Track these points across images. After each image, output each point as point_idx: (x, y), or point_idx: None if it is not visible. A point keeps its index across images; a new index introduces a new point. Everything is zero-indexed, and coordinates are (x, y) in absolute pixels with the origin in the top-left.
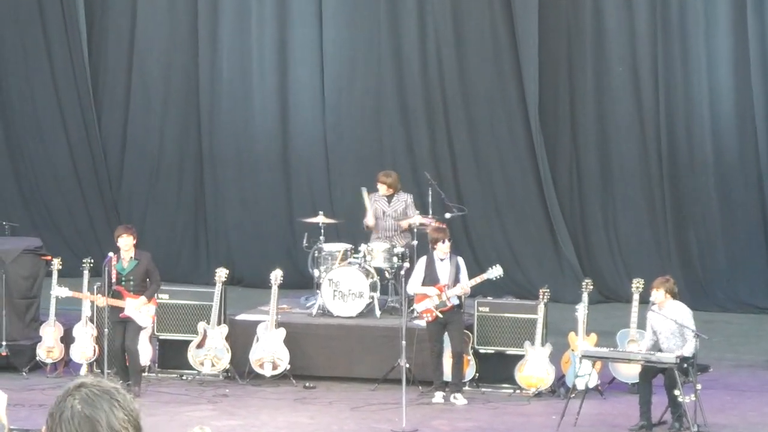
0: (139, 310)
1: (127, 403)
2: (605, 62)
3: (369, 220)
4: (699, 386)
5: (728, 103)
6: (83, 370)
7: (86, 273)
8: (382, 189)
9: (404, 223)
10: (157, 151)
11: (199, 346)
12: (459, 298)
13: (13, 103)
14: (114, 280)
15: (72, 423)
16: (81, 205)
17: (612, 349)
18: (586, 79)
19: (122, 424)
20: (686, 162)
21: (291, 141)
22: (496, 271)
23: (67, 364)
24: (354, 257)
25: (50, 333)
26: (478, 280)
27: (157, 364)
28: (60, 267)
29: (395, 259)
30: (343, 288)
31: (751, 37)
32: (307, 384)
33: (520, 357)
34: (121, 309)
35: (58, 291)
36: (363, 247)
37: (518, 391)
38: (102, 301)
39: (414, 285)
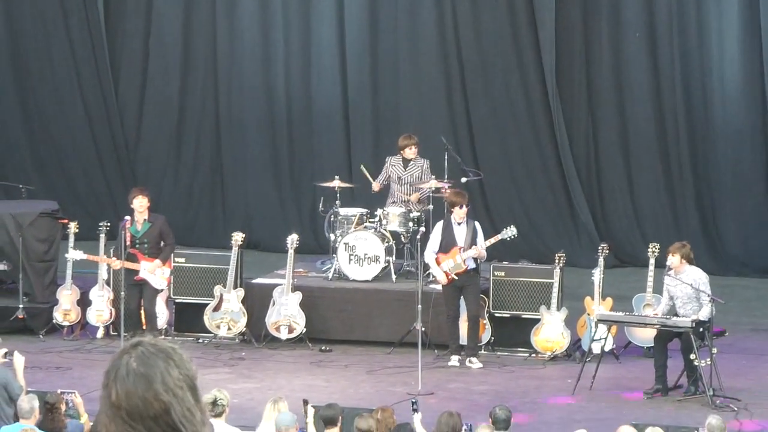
0: (154, 272)
1: (183, 362)
2: (621, 29)
3: (375, 186)
4: (715, 350)
5: (738, 68)
6: (99, 333)
7: (103, 236)
8: (409, 152)
9: (414, 197)
10: (174, 115)
11: (216, 309)
12: (475, 261)
13: (30, 67)
14: (128, 243)
15: (127, 380)
16: (98, 169)
17: (628, 313)
18: (602, 46)
19: (177, 383)
20: (703, 127)
21: (309, 105)
22: (510, 231)
23: (83, 327)
24: (370, 221)
25: (67, 296)
26: (492, 240)
27: (173, 328)
28: (77, 230)
29: (411, 223)
30: (359, 252)
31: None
32: (323, 347)
33: (536, 321)
34: (137, 272)
35: (73, 254)
36: (379, 212)
37: (534, 355)
38: (117, 263)
39: (431, 250)
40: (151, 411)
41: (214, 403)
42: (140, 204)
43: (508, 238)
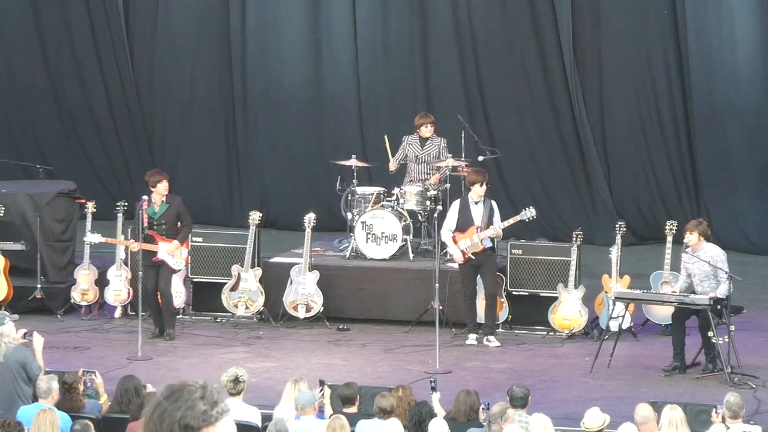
0: (172, 254)
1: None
2: (640, 3)
3: (391, 165)
4: (732, 328)
5: (757, 43)
6: (117, 313)
7: (120, 216)
8: (425, 130)
9: (434, 179)
10: (190, 96)
11: (233, 288)
12: (492, 240)
13: (49, 47)
14: (146, 224)
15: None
16: (116, 148)
17: (645, 291)
18: (619, 19)
19: None
20: (722, 103)
21: (324, 83)
22: (529, 213)
23: (101, 307)
24: (387, 200)
25: (85, 276)
26: (510, 221)
27: (191, 307)
28: (94, 210)
29: (428, 202)
30: (377, 231)
31: None
32: (340, 326)
33: (554, 299)
34: (154, 253)
35: (91, 237)
36: (396, 190)
37: (551, 333)
38: (135, 245)
39: (448, 228)
40: None
41: (236, 380)
42: (164, 188)
43: (527, 219)
